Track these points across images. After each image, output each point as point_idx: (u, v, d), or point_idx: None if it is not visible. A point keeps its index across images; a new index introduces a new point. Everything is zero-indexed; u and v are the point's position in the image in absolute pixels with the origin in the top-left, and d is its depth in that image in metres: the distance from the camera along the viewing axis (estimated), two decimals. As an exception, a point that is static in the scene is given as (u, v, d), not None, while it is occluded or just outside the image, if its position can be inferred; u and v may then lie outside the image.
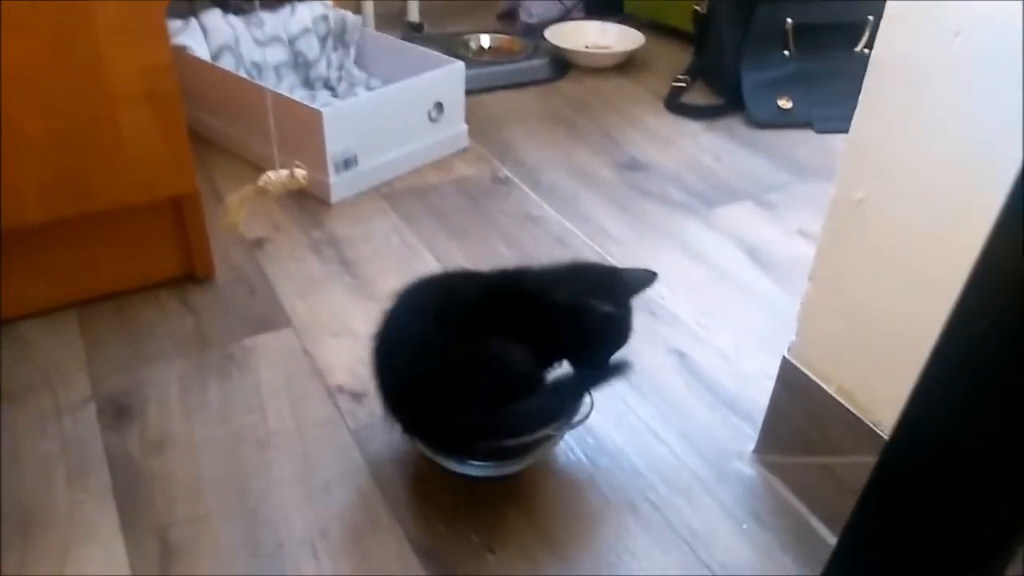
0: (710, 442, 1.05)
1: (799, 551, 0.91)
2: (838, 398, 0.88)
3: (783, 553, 0.91)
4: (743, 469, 1.01)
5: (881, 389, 0.84)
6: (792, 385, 0.94)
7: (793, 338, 0.93)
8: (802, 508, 0.95)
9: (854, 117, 0.81)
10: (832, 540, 0.91)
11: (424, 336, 0.90)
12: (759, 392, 1.11)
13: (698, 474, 1.00)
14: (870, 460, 0.87)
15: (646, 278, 1.02)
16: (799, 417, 0.94)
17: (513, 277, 0.99)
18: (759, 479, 0.99)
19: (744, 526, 0.94)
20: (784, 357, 0.94)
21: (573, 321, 0.92)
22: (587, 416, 0.97)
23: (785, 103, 1.87)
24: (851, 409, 0.87)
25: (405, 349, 0.92)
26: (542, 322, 0.92)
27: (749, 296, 1.32)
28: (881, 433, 0.84)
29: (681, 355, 1.19)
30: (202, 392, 1.10)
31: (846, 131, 1.85)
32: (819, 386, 0.90)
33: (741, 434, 1.06)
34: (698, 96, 2.00)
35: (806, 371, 0.91)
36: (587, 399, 0.97)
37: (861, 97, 0.80)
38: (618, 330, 0.96)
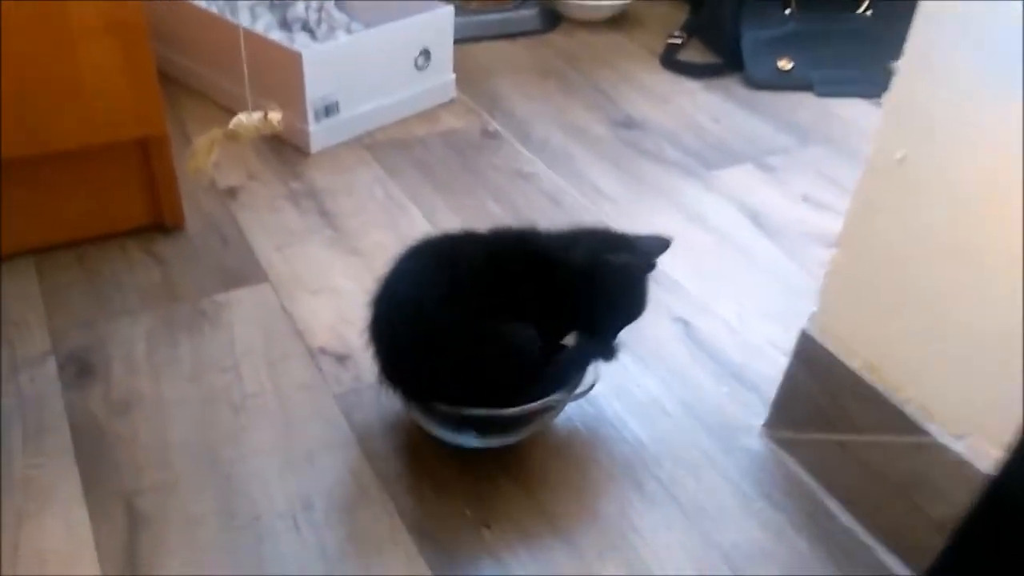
0: (716, 415, 0.99)
1: (812, 531, 0.86)
2: (862, 374, 0.82)
3: (796, 533, 0.86)
4: (752, 444, 0.96)
5: (911, 365, 0.79)
6: (811, 359, 0.88)
7: (813, 309, 0.87)
8: (815, 487, 0.90)
9: (896, 74, 0.74)
10: (849, 521, 0.87)
11: (431, 306, 0.83)
12: (766, 363, 1.06)
13: (705, 449, 0.95)
14: (894, 440, 0.82)
15: (660, 244, 0.95)
16: (816, 393, 0.88)
17: (520, 239, 0.91)
18: (769, 455, 0.94)
19: (755, 505, 0.89)
20: (803, 330, 0.88)
21: (587, 282, 0.85)
22: (591, 387, 0.90)
23: (785, 64, 1.80)
24: (876, 386, 0.81)
25: (409, 318, 0.84)
26: (552, 287, 0.85)
27: (752, 262, 1.27)
28: (908, 412, 0.79)
29: (684, 323, 1.13)
30: (171, 349, 1.02)
31: (847, 95, 1.79)
32: (841, 361, 0.84)
33: (748, 407, 1.00)
34: (694, 54, 1.92)
35: (827, 345, 0.86)
36: (592, 370, 0.91)
37: (906, 50, 0.73)
38: (634, 293, 0.90)
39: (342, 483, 0.87)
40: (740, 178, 1.47)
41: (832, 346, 0.85)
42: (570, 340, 0.93)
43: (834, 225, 1.38)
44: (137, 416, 0.92)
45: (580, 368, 0.91)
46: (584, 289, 0.86)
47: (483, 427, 0.87)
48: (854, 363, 0.83)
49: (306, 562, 0.79)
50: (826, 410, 0.88)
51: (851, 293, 0.83)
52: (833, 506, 0.89)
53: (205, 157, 0.99)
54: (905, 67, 0.74)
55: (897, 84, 0.75)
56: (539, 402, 0.85)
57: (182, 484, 0.85)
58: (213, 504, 0.84)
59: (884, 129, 0.76)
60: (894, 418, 0.80)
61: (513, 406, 0.84)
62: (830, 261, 0.84)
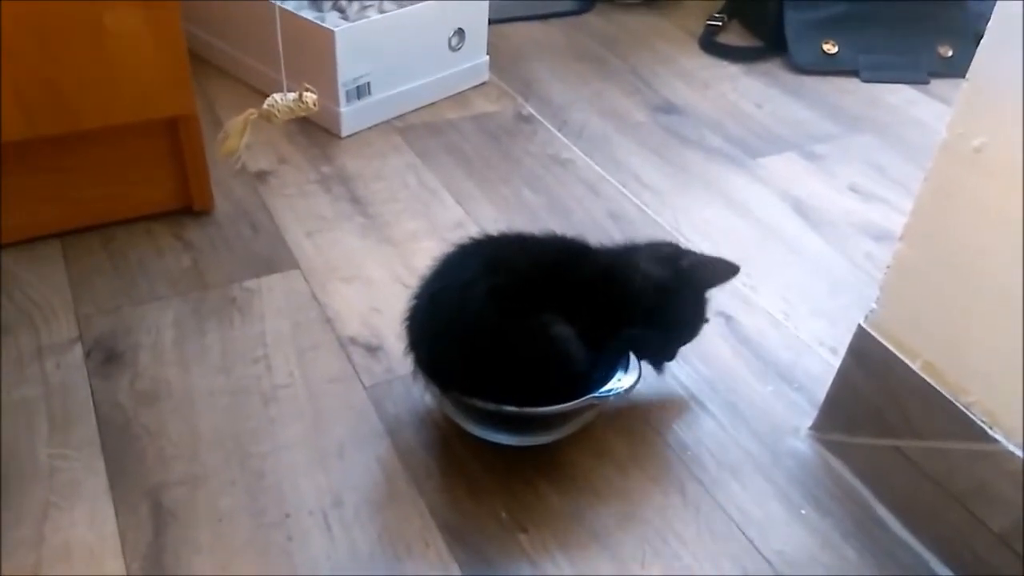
0: (761, 416, 0.95)
1: (861, 540, 0.82)
2: (923, 375, 0.78)
3: (843, 541, 0.82)
4: (798, 447, 0.91)
5: (977, 367, 0.74)
6: (867, 358, 0.83)
7: (868, 304, 0.82)
8: (866, 493, 0.86)
9: (977, 54, 0.69)
10: (900, 530, 0.82)
11: (476, 296, 0.80)
12: (814, 362, 1.02)
13: (749, 451, 0.91)
14: (955, 446, 0.78)
15: (725, 270, 0.93)
16: (872, 393, 0.84)
17: (577, 247, 0.89)
18: (816, 459, 0.90)
19: (802, 511, 0.85)
20: (860, 326, 0.84)
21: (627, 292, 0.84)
22: (633, 386, 0.86)
23: (830, 47, 1.73)
24: (939, 388, 0.77)
25: (453, 307, 0.82)
26: (610, 295, 0.84)
27: (799, 255, 1.22)
28: (973, 416, 0.74)
29: (727, 318, 1.09)
30: (200, 338, 0.99)
31: (895, 81, 1.71)
32: (901, 361, 0.79)
33: (795, 408, 0.96)
34: (735, 36, 1.86)
35: (887, 343, 0.81)
36: (635, 368, 0.87)
37: (988, 30, 0.68)
38: (681, 314, 0.90)
39: (372, 480, 0.84)
40: (785, 167, 1.41)
41: (892, 344, 0.80)
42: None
43: (883, 217, 1.34)
44: (165, 407, 0.90)
45: (623, 366, 0.87)
46: (658, 300, 0.86)
47: (520, 425, 0.84)
48: (915, 364, 0.78)
49: (336, 562, 0.76)
50: (882, 412, 0.83)
51: (915, 288, 0.78)
52: (884, 514, 0.84)
53: (238, 139, 0.96)
54: (987, 46, 0.68)
55: (975, 67, 0.69)
56: (579, 400, 0.81)
57: (211, 479, 0.83)
58: (242, 500, 0.81)
59: (961, 114, 0.71)
60: (957, 423, 0.75)
61: (552, 404, 0.80)
62: (893, 254, 0.79)
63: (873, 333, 0.82)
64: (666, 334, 0.90)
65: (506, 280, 0.82)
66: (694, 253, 0.95)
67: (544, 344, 0.80)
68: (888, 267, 0.80)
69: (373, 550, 0.78)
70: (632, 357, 0.87)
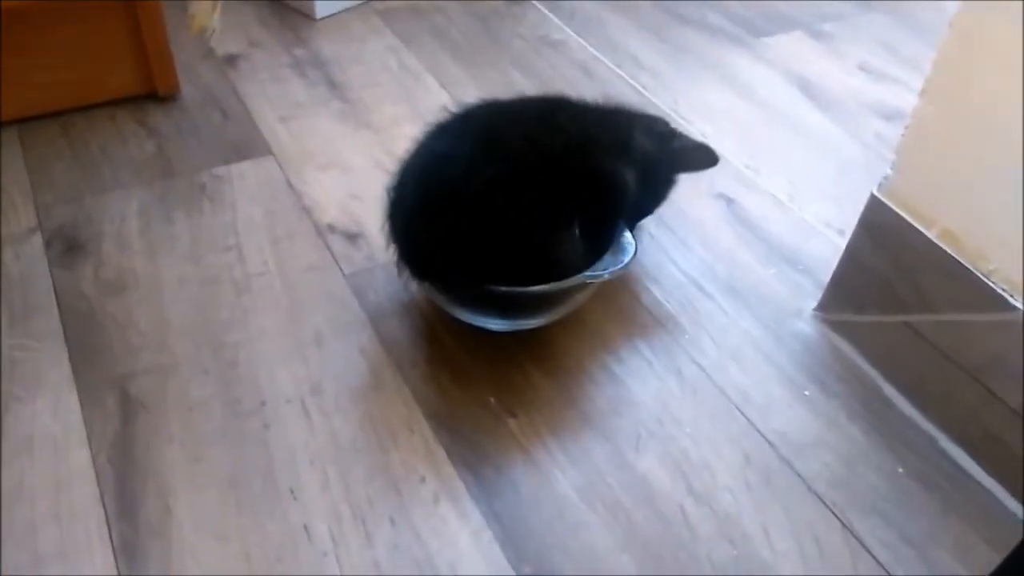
0: (764, 299, 0.90)
1: (869, 420, 0.78)
2: (940, 244, 0.72)
3: (849, 421, 0.78)
4: (802, 328, 0.87)
5: (999, 234, 0.68)
6: (879, 228, 0.78)
7: (888, 172, 0.76)
8: (873, 373, 0.82)
9: None
10: (909, 409, 0.78)
11: (459, 168, 0.74)
12: (819, 244, 0.96)
13: (750, 334, 0.86)
14: (973, 318, 0.73)
15: (708, 158, 0.90)
16: (883, 267, 0.79)
17: (563, 118, 0.81)
18: (822, 340, 0.86)
19: (806, 392, 0.80)
20: (872, 195, 0.78)
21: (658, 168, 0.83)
22: (628, 264, 0.80)
23: (841, -78, 1.61)
24: (957, 257, 0.71)
25: (437, 182, 0.76)
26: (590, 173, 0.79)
27: (804, 137, 1.15)
28: (993, 285, 0.69)
29: (728, 200, 1.02)
30: (167, 226, 0.93)
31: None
32: (917, 230, 0.74)
33: (799, 290, 0.91)
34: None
35: (901, 212, 0.75)
36: (630, 245, 0.81)
37: None
38: (658, 192, 0.89)
39: (354, 368, 0.80)
40: (791, 46, 1.33)
41: (907, 212, 0.75)
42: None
43: (894, 96, 1.26)
44: (131, 297, 0.85)
45: (616, 242, 0.81)
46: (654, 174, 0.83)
47: (508, 307, 0.79)
48: (932, 231, 0.73)
49: (316, 450, 0.72)
50: (893, 287, 0.78)
51: (934, 151, 0.72)
52: (892, 393, 0.80)
53: (208, 13, 0.88)
54: None
55: None
56: (571, 280, 0.76)
57: (181, 368, 0.78)
58: (215, 389, 0.77)
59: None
60: (975, 293, 0.70)
61: (542, 283, 0.75)
62: (912, 113, 0.72)
63: (887, 201, 0.76)
64: (636, 207, 0.86)
65: (493, 157, 0.75)
66: (684, 135, 0.92)
67: (545, 259, 0.75)
68: (905, 128, 0.74)
69: (355, 437, 0.74)
70: (627, 233, 0.81)
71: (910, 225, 0.75)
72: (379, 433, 0.74)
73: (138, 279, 0.87)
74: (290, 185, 1.00)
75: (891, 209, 0.76)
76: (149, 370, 0.78)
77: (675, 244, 0.96)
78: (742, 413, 0.78)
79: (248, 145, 1.06)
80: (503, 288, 0.74)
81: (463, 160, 0.75)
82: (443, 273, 0.77)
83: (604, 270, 0.77)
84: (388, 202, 0.80)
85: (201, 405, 0.75)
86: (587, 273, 0.76)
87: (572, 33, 1.33)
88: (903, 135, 0.74)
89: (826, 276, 0.90)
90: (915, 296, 0.76)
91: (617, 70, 1.25)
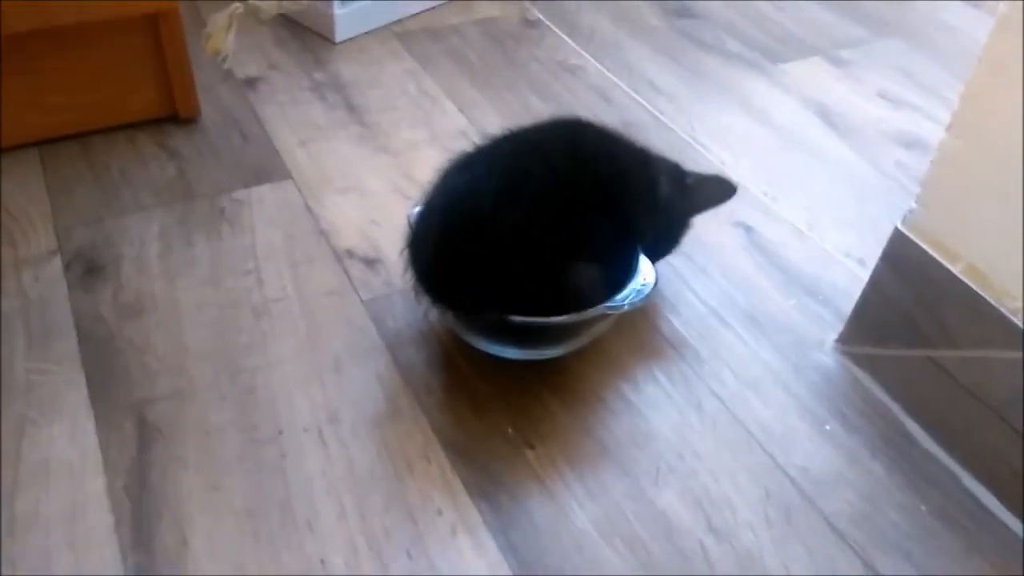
0: (784, 329, 0.89)
1: (891, 456, 0.77)
2: (965, 280, 0.72)
3: (872, 458, 0.77)
4: (823, 361, 0.86)
5: (1025, 271, 0.68)
6: (903, 263, 0.77)
7: (913, 205, 0.76)
8: (894, 407, 0.81)
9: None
10: (932, 445, 0.77)
11: (486, 201, 0.75)
12: (840, 274, 0.96)
13: (770, 365, 0.85)
14: (998, 355, 0.72)
15: (721, 191, 0.91)
16: (907, 301, 0.78)
17: (586, 154, 0.81)
18: (843, 373, 0.85)
19: (827, 426, 0.80)
20: (896, 229, 0.77)
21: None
22: (649, 295, 0.80)
23: (859, -52, 1.61)
24: (982, 294, 0.71)
25: (462, 212, 0.76)
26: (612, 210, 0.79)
27: (823, 164, 1.14)
28: (1019, 323, 0.68)
29: (747, 229, 1.02)
30: (187, 250, 0.93)
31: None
32: (941, 265, 0.73)
33: (820, 321, 0.90)
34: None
35: (926, 246, 0.74)
36: (651, 275, 0.80)
37: None
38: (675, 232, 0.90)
39: (371, 396, 0.79)
40: (809, 72, 1.33)
41: (931, 247, 0.74)
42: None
43: (913, 124, 1.26)
44: (149, 321, 0.85)
45: (636, 273, 0.81)
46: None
47: (527, 337, 0.79)
48: (957, 267, 0.72)
49: (332, 479, 0.72)
50: (916, 321, 0.77)
51: (960, 185, 0.71)
52: (914, 428, 0.79)
53: (222, 36, 0.89)
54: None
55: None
56: (591, 311, 0.75)
57: (199, 394, 0.78)
58: (233, 415, 0.77)
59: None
60: (1000, 330, 0.69)
61: (561, 314, 0.75)
62: (938, 147, 0.72)
63: (910, 235, 0.76)
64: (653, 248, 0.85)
65: (518, 192, 0.75)
66: (694, 172, 0.91)
67: (565, 295, 0.74)
68: (932, 162, 0.73)
69: (372, 467, 0.73)
70: (647, 263, 0.80)
71: (934, 260, 0.74)
72: (396, 462, 0.74)
73: (157, 303, 0.87)
74: (309, 209, 1.01)
75: (915, 243, 0.75)
76: (167, 395, 0.78)
77: (694, 272, 0.95)
78: (762, 447, 0.77)
79: (267, 168, 1.06)
80: (522, 319, 0.74)
81: (489, 195, 0.75)
82: (462, 301, 0.77)
83: (624, 301, 0.77)
84: (411, 232, 0.80)
85: (218, 431, 0.75)
86: (607, 304, 0.76)
87: (590, 58, 1.33)
88: (929, 169, 0.73)
89: (846, 307, 0.89)
90: (939, 331, 0.75)
91: (634, 95, 1.25)
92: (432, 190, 0.80)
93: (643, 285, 0.78)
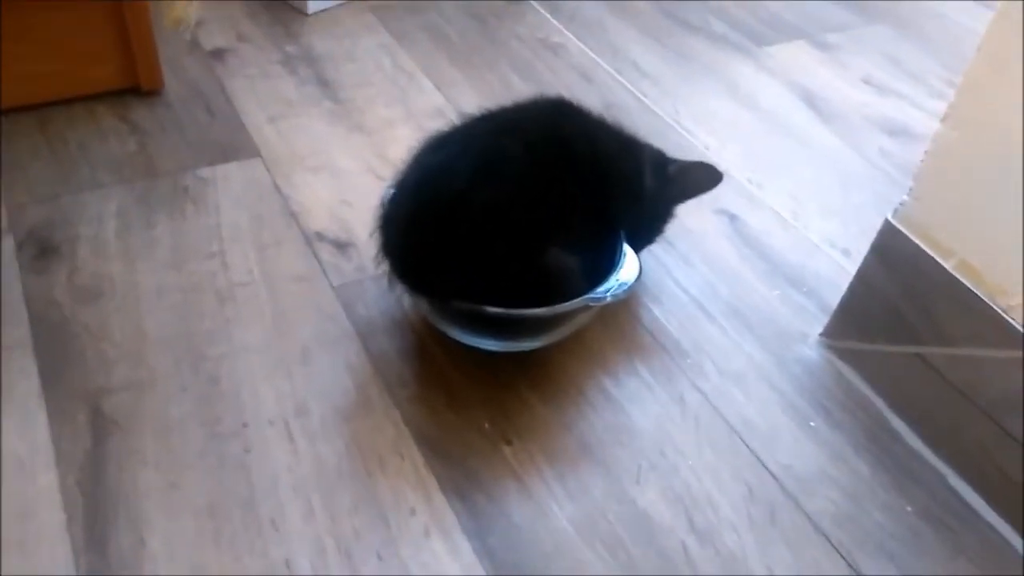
0: (767, 321, 0.87)
1: (875, 454, 0.75)
2: (957, 275, 0.70)
3: (856, 455, 0.75)
4: (808, 354, 0.84)
5: (1019, 267, 0.66)
6: (893, 257, 0.75)
7: (904, 198, 0.73)
8: (879, 403, 0.79)
9: None
10: (917, 443, 0.76)
11: (461, 181, 0.71)
12: (824, 264, 0.93)
13: (754, 358, 0.83)
14: (989, 353, 0.70)
15: (707, 178, 0.86)
16: (895, 297, 0.76)
17: (568, 136, 0.77)
18: (827, 367, 0.83)
19: (811, 423, 0.78)
20: (887, 221, 0.75)
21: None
22: (632, 286, 0.77)
23: (846, -70, 1.58)
24: (974, 290, 0.69)
25: (436, 192, 0.72)
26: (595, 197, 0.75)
27: (808, 151, 1.12)
28: (1012, 320, 0.66)
29: (731, 217, 0.99)
30: (147, 230, 0.89)
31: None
32: (933, 259, 0.71)
33: (803, 313, 0.88)
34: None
35: (917, 240, 0.72)
36: (635, 265, 0.77)
37: None
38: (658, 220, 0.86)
39: (341, 387, 0.76)
40: (794, 56, 1.30)
41: (923, 241, 0.72)
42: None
43: (898, 111, 1.24)
44: (107, 305, 0.81)
45: (620, 262, 0.78)
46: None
47: (506, 328, 0.76)
48: (949, 263, 0.70)
49: (300, 476, 0.69)
50: (906, 317, 0.75)
51: (954, 178, 0.69)
52: (899, 426, 0.78)
53: (184, 6, 0.83)
54: None
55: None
56: (573, 302, 0.72)
57: (159, 384, 0.74)
58: (194, 408, 0.73)
59: (1022, -29, 0.61)
60: (992, 328, 0.68)
61: (541, 304, 0.71)
62: (932, 138, 0.69)
63: (902, 228, 0.74)
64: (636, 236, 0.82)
65: (495, 173, 0.72)
66: (678, 159, 0.88)
67: (543, 279, 0.71)
68: (926, 153, 0.71)
69: (341, 463, 0.70)
70: (631, 252, 0.77)
71: (926, 254, 0.72)
72: (366, 459, 0.70)
73: (115, 286, 0.82)
74: (277, 189, 0.96)
75: (906, 237, 0.73)
76: (124, 386, 0.74)
77: (677, 261, 0.93)
78: (745, 444, 0.75)
79: (234, 145, 1.01)
80: (500, 311, 0.70)
81: (464, 173, 0.71)
82: (434, 286, 0.74)
83: (606, 292, 0.74)
84: (382, 212, 0.77)
85: (179, 424, 0.71)
86: (589, 296, 0.73)
87: (572, 36, 1.29)
88: (923, 160, 0.71)
89: (831, 299, 0.87)
90: (928, 327, 0.73)
91: (617, 76, 1.22)
92: (405, 169, 0.77)
93: (624, 280, 0.75)
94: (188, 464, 0.69)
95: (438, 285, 0.73)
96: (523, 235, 0.71)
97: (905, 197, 0.73)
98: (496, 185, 0.71)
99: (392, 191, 0.77)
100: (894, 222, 0.74)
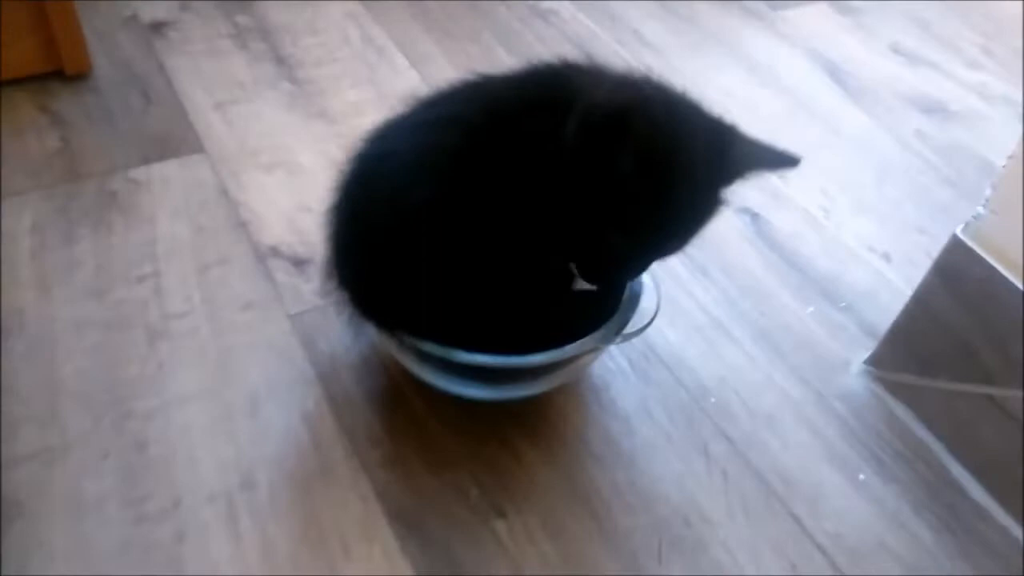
0: (800, 345, 0.74)
1: (937, 513, 0.63)
2: (1046, 308, 0.57)
3: (915, 516, 0.63)
4: (851, 386, 0.72)
5: None
6: (961, 279, 0.62)
7: (979, 210, 0.60)
8: (938, 448, 0.67)
9: None
10: (984, 499, 0.64)
11: (414, 196, 0.55)
12: (862, 273, 0.81)
13: (788, 394, 0.71)
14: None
15: (779, 159, 0.64)
16: (963, 326, 0.63)
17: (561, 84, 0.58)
18: (877, 405, 0.70)
19: (860, 476, 0.65)
20: (955, 237, 0.62)
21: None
22: (647, 325, 0.64)
23: None
24: (1068, 328, 0.56)
25: (380, 211, 0.57)
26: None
27: (835, 134, 0.98)
28: (1118, 369, 0.54)
29: (753, 215, 0.86)
30: (66, 248, 0.75)
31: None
32: (1012, 284, 0.58)
33: (843, 334, 0.75)
34: None
35: (993, 260, 0.59)
36: (653, 297, 0.64)
37: None
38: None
39: (296, 448, 0.63)
40: (814, 20, 1.16)
41: (1000, 263, 0.59)
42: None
43: (931, 84, 1.10)
44: (14, 347, 0.67)
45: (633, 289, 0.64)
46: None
47: (495, 374, 0.62)
48: (1038, 294, 0.57)
49: (246, 566, 0.56)
50: (976, 350, 0.63)
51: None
52: (961, 475, 0.66)
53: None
54: None
55: None
56: (577, 345, 0.59)
57: (73, 452, 0.61)
58: (115, 482, 0.60)
59: None
60: (1090, 376, 0.55)
61: (534, 351, 0.58)
62: (1018, 143, 0.56)
63: (974, 246, 0.61)
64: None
65: (436, 163, 0.55)
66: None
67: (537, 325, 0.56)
68: (1008, 158, 0.57)
69: (296, 551, 0.57)
70: (645, 276, 0.64)
71: (1003, 278, 0.59)
72: (328, 544, 0.58)
73: (24, 322, 0.68)
74: (225, 192, 0.82)
75: (979, 256, 0.60)
76: (31, 454, 0.60)
77: (692, 272, 0.80)
78: (784, 506, 0.63)
79: (174, 138, 0.87)
80: (479, 359, 0.57)
81: (402, 164, 0.56)
82: (379, 313, 0.60)
83: (616, 333, 0.61)
84: (327, 220, 0.62)
85: (96, 506, 0.58)
86: (594, 336, 0.60)
87: (565, 1, 1.14)
88: (1004, 167, 0.58)
89: (873, 316, 0.75)
90: (1003, 364, 0.61)
91: (617, 47, 1.07)
92: (347, 163, 0.62)
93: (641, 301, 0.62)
94: (106, 557, 0.56)
95: (382, 313, 0.59)
96: (497, 249, 0.56)
97: (980, 209, 0.60)
98: (441, 183, 0.55)
99: (335, 190, 0.62)
100: (964, 238, 0.61)
